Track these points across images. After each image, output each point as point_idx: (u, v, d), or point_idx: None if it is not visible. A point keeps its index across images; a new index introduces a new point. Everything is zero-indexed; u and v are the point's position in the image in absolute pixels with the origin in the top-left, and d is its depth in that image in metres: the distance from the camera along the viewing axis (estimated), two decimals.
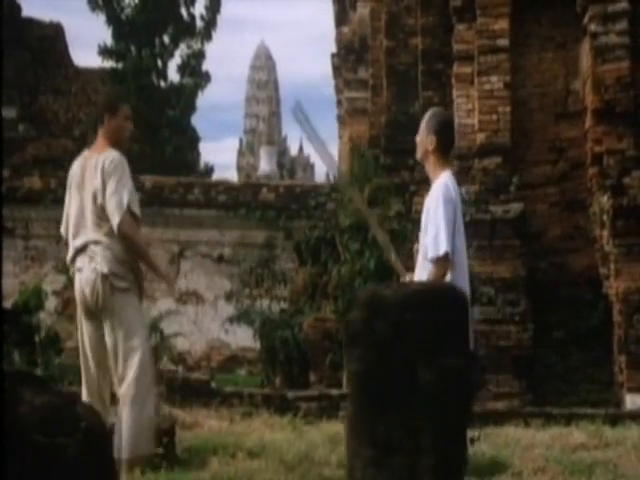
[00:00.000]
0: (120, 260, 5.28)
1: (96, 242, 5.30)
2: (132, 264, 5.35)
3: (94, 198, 5.30)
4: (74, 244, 5.40)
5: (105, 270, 5.23)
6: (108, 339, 5.30)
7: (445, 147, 5.06)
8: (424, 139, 5.01)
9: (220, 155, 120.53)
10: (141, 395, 5.25)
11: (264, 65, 70.79)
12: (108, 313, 5.26)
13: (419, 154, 5.09)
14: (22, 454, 1.63)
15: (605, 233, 9.59)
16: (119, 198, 5.22)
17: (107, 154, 5.31)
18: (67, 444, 1.66)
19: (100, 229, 5.31)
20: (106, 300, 5.23)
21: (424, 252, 4.95)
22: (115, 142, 5.38)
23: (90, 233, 5.33)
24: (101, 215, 5.30)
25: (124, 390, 5.24)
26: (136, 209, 5.30)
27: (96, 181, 5.29)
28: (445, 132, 5.07)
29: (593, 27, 9.98)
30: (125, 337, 5.22)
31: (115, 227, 5.23)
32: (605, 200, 9.56)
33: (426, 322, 2.46)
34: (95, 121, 5.55)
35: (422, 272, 4.93)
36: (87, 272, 5.28)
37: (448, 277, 4.86)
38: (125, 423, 5.19)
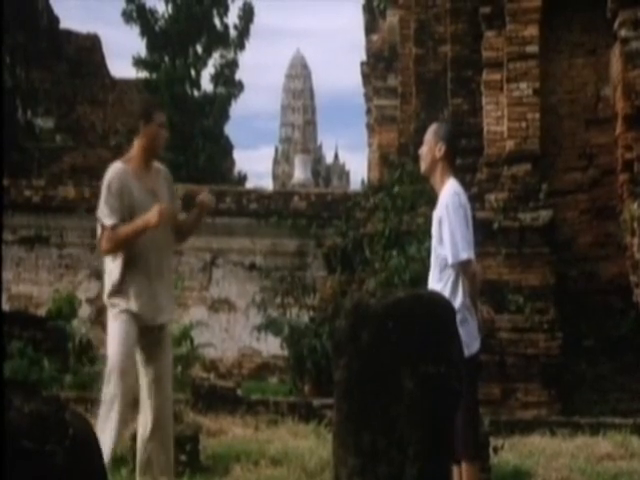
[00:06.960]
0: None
1: None
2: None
3: None
4: None
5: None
6: None
7: (453, 156, 5.08)
8: (432, 147, 5.02)
9: (256, 163, 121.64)
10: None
11: (299, 74, 71.07)
12: None
13: (424, 165, 5.09)
14: (10, 460, 1.67)
15: (635, 241, 9.47)
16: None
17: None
18: (55, 451, 1.70)
19: None
20: None
21: (438, 263, 4.93)
22: (150, 150, 5.22)
23: None
24: None
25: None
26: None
27: None
28: (454, 141, 5.12)
29: (623, 32, 9.88)
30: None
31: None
32: (635, 207, 9.44)
33: (409, 331, 2.47)
34: (131, 131, 5.43)
35: (435, 283, 4.91)
36: None
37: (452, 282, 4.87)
38: None
